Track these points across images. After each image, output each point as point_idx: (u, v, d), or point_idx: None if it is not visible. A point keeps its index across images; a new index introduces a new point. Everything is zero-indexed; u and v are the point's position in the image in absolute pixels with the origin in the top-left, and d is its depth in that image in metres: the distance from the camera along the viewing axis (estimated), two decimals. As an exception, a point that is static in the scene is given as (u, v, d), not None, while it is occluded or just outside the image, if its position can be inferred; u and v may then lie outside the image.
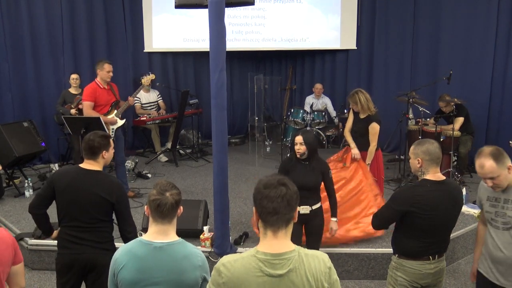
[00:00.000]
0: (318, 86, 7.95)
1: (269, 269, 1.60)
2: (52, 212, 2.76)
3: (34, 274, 4.10)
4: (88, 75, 7.04)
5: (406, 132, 6.45)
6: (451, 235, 2.81)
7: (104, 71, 5.04)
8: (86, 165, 2.78)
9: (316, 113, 7.25)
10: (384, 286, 3.63)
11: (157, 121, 7.32)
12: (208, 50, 3.71)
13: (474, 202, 4.65)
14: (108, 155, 2.82)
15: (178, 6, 3.88)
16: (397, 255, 2.71)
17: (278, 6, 8.14)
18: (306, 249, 1.70)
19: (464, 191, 4.55)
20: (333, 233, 3.60)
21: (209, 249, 4.02)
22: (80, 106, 5.73)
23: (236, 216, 4.87)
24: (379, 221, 2.74)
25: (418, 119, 6.25)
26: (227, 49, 3.72)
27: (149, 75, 6.32)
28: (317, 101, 7.89)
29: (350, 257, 4.08)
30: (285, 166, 3.55)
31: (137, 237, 2.13)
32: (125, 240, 2.66)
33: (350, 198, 4.28)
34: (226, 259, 1.67)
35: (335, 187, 4.21)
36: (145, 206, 2.10)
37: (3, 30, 6.65)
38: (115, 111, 5.19)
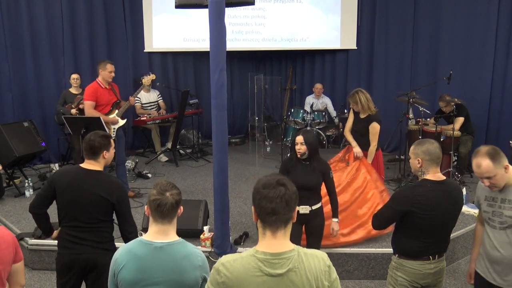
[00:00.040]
0: (318, 86, 7.95)
1: (269, 268, 1.60)
2: (52, 212, 2.76)
3: (34, 274, 4.10)
4: (88, 75, 7.05)
5: (406, 132, 6.46)
6: (451, 235, 2.81)
7: (106, 71, 5.05)
8: (87, 165, 2.78)
9: (316, 113, 7.25)
10: (384, 286, 3.64)
11: (157, 121, 7.32)
12: (208, 50, 3.72)
13: (474, 202, 4.65)
14: (108, 155, 2.82)
15: (178, 6, 3.88)
16: (397, 255, 2.71)
17: (278, 6, 8.14)
18: (305, 248, 1.70)
19: (464, 191, 4.55)
20: (334, 233, 3.60)
21: (209, 249, 4.02)
22: (80, 106, 5.73)
23: (236, 216, 4.87)
24: (379, 221, 2.75)
25: (418, 119, 6.25)
26: (227, 49, 3.72)
27: (149, 75, 6.32)
28: (317, 101, 7.89)
29: (350, 257, 4.08)
30: (285, 166, 3.55)
31: (137, 237, 2.13)
32: (126, 240, 2.66)
33: (356, 198, 4.27)
34: (225, 259, 1.67)
35: (340, 188, 4.24)
36: (145, 206, 2.10)
37: (3, 30, 6.65)
38: (116, 111, 5.19)
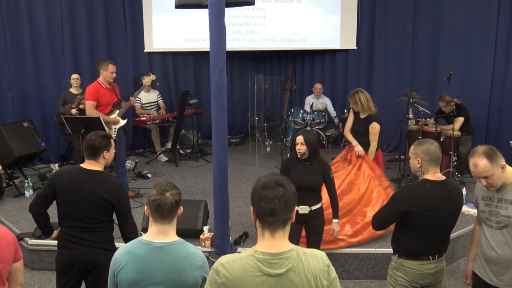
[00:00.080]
0: (318, 86, 7.94)
1: (268, 268, 1.60)
2: (52, 212, 2.76)
3: (34, 274, 4.10)
4: (88, 75, 7.06)
5: (406, 132, 6.45)
6: (451, 235, 2.81)
7: (108, 72, 5.05)
8: (87, 165, 2.78)
9: (316, 113, 7.24)
10: (384, 286, 3.63)
11: (157, 121, 7.32)
12: (208, 50, 3.72)
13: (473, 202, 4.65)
14: (109, 155, 2.82)
15: (178, 6, 3.88)
16: (397, 255, 2.71)
17: (278, 6, 8.14)
18: (304, 248, 1.70)
19: (464, 191, 4.55)
20: (335, 234, 3.59)
21: (209, 249, 4.02)
22: (80, 106, 5.73)
23: (236, 216, 4.87)
24: (379, 221, 2.74)
25: (418, 119, 6.25)
26: (227, 49, 3.72)
27: (150, 75, 6.32)
28: (317, 101, 7.88)
29: (350, 257, 4.08)
30: (286, 166, 3.55)
31: (138, 237, 2.13)
32: (126, 240, 2.66)
33: (361, 197, 4.28)
34: (224, 259, 1.67)
35: (343, 188, 4.24)
36: (145, 206, 2.10)
37: (3, 30, 6.65)
38: (117, 111, 5.20)
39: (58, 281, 2.77)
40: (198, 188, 5.94)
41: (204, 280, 2.00)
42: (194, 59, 8.44)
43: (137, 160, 6.70)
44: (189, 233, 3.99)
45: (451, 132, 5.74)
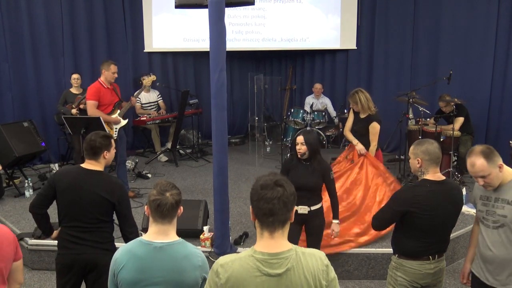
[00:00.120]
0: (318, 86, 7.94)
1: (267, 268, 1.60)
2: (52, 212, 2.76)
3: (34, 274, 4.10)
4: (88, 75, 7.06)
5: (406, 132, 6.45)
6: (451, 235, 2.81)
7: (110, 72, 5.06)
8: (87, 165, 2.78)
9: (316, 113, 7.24)
10: (384, 286, 3.63)
11: (157, 121, 7.32)
12: (208, 50, 3.72)
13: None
14: (109, 155, 2.82)
15: (178, 6, 3.88)
16: (397, 255, 2.71)
17: (278, 6, 8.14)
18: (303, 247, 1.70)
19: (464, 191, 4.55)
20: (334, 235, 3.59)
21: (209, 249, 4.02)
22: (81, 106, 5.74)
23: (236, 216, 4.87)
24: (379, 222, 2.74)
25: (418, 119, 6.25)
26: (227, 49, 3.72)
27: (150, 76, 6.31)
28: (317, 101, 7.88)
29: (350, 257, 4.08)
30: (286, 166, 3.55)
31: (138, 237, 2.13)
32: (126, 240, 2.66)
33: (365, 197, 4.30)
34: (223, 260, 1.67)
35: (346, 187, 4.25)
36: (145, 206, 2.10)
37: (3, 30, 6.65)
38: (118, 111, 5.20)
39: (58, 281, 2.77)
40: (198, 188, 5.94)
41: (204, 280, 2.00)
42: (194, 59, 8.44)
43: (137, 160, 6.70)
44: (189, 233, 3.99)
45: (451, 132, 5.74)
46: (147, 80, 6.24)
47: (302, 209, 3.38)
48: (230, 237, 4.03)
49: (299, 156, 3.42)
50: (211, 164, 6.11)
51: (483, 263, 2.54)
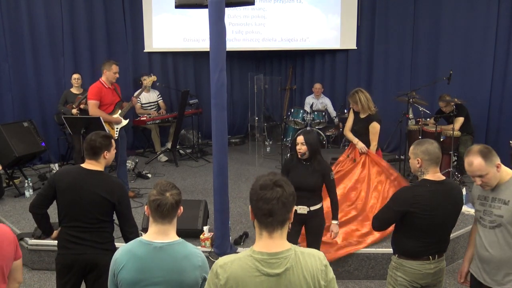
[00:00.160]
0: (317, 86, 7.94)
1: (266, 268, 1.60)
2: (52, 212, 2.76)
3: (34, 274, 4.10)
4: (88, 75, 7.06)
5: (406, 132, 6.46)
6: (451, 235, 2.81)
7: (112, 72, 5.06)
8: (88, 165, 2.78)
9: (316, 113, 7.24)
10: (384, 286, 3.63)
11: (157, 121, 7.32)
12: (208, 50, 3.72)
13: (473, 202, 4.66)
14: (109, 155, 2.82)
15: (178, 6, 3.88)
16: (397, 255, 2.71)
17: (278, 6, 8.14)
18: (302, 247, 1.70)
19: (464, 191, 4.55)
20: (333, 235, 3.58)
21: (209, 249, 4.02)
22: (81, 106, 5.74)
23: (236, 216, 4.87)
24: (379, 222, 2.74)
25: (418, 119, 6.25)
26: (227, 49, 3.72)
27: (151, 76, 6.31)
28: (317, 101, 7.88)
29: (350, 257, 4.08)
30: (286, 166, 3.55)
31: (138, 237, 2.13)
32: (127, 240, 2.65)
33: (369, 195, 4.30)
34: (223, 260, 1.67)
35: (350, 186, 4.25)
36: (145, 206, 2.10)
37: (3, 30, 6.65)
38: (119, 111, 5.21)
39: (58, 281, 2.77)
40: (198, 188, 5.94)
41: (204, 280, 2.00)
42: (194, 59, 8.44)
43: (137, 160, 6.71)
44: (189, 233, 3.99)
45: (451, 132, 5.74)
46: (148, 80, 6.24)
47: (302, 209, 3.38)
48: (230, 237, 4.03)
49: (299, 156, 3.41)
50: (211, 164, 6.11)
51: (480, 263, 2.54)
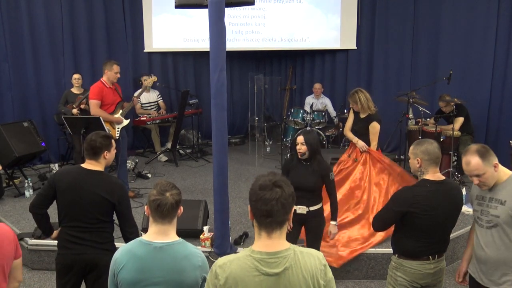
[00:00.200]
0: (317, 85, 7.93)
1: (266, 268, 1.60)
2: (52, 212, 2.76)
3: (34, 274, 4.10)
4: (88, 75, 7.07)
5: (406, 132, 6.46)
6: (451, 235, 2.81)
7: (113, 72, 5.07)
8: (88, 165, 2.78)
9: (316, 113, 7.24)
10: (384, 286, 3.63)
11: (157, 121, 7.32)
12: (208, 50, 3.72)
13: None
14: (109, 155, 2.82)
15: (178, 6, 3.88)
16: (397, 255, 2.71)
17: (278, 6, 8.14)
18: (301, 247, 1.70)
19: (464, 191, 4.55)
20: (332, 237, 3.57)
21: (209, 249, 4.02)
22: (82, 106, 5.74)
23: (236, 216, 4.87)
24: (379, 222, 2.74)
25: (418, 119, 6.25)
26: (227, 49, 3.72)
27: (151, 76, 6.32)
28: (317, 101, 7.88)
29: (350, 257, 4.08)
30: (286, 166, 3.55)
31: (138, 237, 2.13)
32: (127, 240, 2.65)
33: (372, 194, 4.31)
34: (222, 260, 1.67)
35: (353, 185, 4.26)
36: (145, 206, 2.10)
37: (3, 30, 6.65)
38: (120, 111, 5.21)
39: (58, 281, 2.77)
40: (198, 188, 5.94)
41: (204, 280, 2.00)
42: (194, 59, 8.44)
43: (137, 160, 6.71)
44: (189, 233, 3.99)
45: (451, 132, 5.74)
46: (148, 81, 6.24)
47: (301, 209, 3.37)
48: (230, 237, 4.03)
49: (299, 156, 3.41)
50: (211, 164, 6.11)
51: (478, 263, 2.54)
